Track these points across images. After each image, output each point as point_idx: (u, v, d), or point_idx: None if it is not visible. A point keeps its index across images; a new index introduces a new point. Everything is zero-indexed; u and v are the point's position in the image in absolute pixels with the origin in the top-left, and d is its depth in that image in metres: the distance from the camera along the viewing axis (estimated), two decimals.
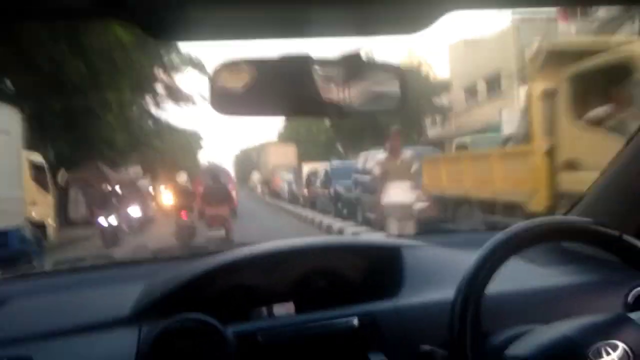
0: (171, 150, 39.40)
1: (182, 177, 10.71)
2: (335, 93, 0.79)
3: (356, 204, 11.27)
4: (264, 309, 1.20)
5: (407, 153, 5.66)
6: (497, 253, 0.81)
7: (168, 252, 2.18)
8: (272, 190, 29.24)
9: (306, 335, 1.04)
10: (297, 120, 45.65)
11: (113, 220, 10.65)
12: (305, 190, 18.16)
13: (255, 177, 54.32)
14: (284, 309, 1.20)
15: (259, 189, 43.05)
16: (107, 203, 11.06)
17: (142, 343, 0.95)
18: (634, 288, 1.01)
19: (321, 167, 16.49)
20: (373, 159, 10.41)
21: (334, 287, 1.24)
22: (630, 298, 1.00)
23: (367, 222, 10.15)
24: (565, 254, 1.34)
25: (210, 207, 8.48)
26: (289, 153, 33.28)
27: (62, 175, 14.08)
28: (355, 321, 1.05)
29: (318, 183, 15.16)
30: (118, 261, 1.76)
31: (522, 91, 20.83)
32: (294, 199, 20.88)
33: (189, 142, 42.27)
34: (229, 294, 1.18)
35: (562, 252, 1.35)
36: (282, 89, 0.77)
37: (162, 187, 20.89)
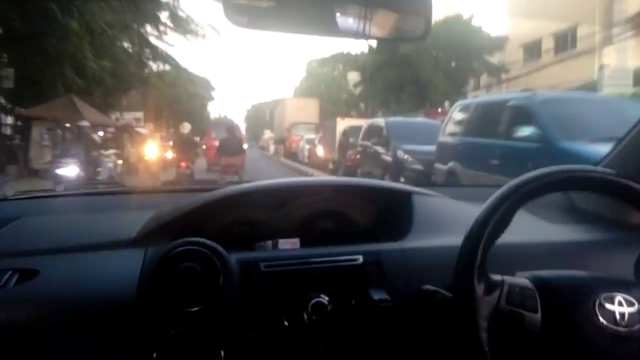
0: (177, 96, 35.98)
1: (186, 128, 10.67)
2: (356, 13, 0.79)
3: (447, 180, 6.76)
4: (269, 243, 1.20)
5: None
6: (510, 198, 0.79)
7: (180, 184, 2.09)
8: (288, 150, 25.52)
9: (309, 269, 1.02)
10: (318, 76, 41.80)
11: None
12: (338, 154, 14.17)
13: (267, 135, 50.95)
14: (289, 244, 1.20)
15: (271, 149, 39.39)
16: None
17: (147, 263, 0.96)
18: None
19: (365, 123, 12.16)
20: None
21: (341, 227, 1.24)
22: None
23: None
24: (577, 212, 1.34)
25: (226, 157, 9.45)
26: (310, 108, 29.06)
27: None
28: (360, 259, 1.04)
29: (360, 145, 11.03)
30: (129, 189, 1.65)
31: (608, 50, 17.28)
32: (317, 163, 17.12)
33: (197, 90, 38.51)
34: (235, 225, 1.19)
35: (574, 211, 1.35)
36: (301, 2, 0.77)
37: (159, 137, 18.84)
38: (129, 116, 27.61)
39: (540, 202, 0.86)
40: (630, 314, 0.74)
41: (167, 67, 20.55)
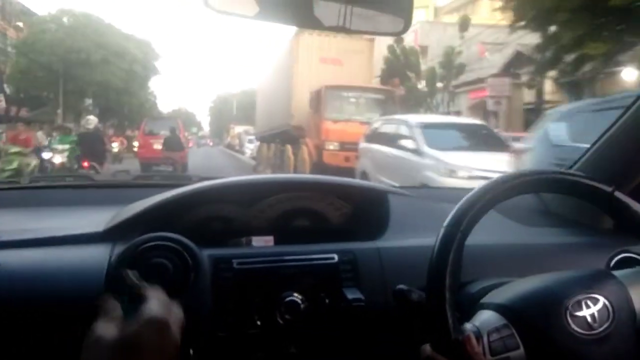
0: (83, 57, 21.52)
1: (90, 123, 10.19)
2: (336, 6, 0.79)
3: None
4: (243, 240, 1.19)
5: None
6: (483, 199, 0.79)
7: (150, 179, 2.04)
8: (318, 160, 11.07)
9: (283, 267, 1.01)
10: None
11: None
12: None
13: (238, 129, 36.07)
14: (263, 242, 1.19)
15: (247, 150, 24.63)
16: None
17: (114, 258, 0.95)
18: (618, 254, 1.01)
19: None
20: None
21: (316, 225, 1.24)
22: (612, 263, 1.00)
23: None
24: (549, 216, 1.37)
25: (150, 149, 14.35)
26: (358, 58, 12.08)
27: None
28: (335, 257, 1.04)
29: None
30: (97, 183, 1.67)
31: None
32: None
33: (125, 48, 23.52)
34: (207, 222, 1.18)
35: (547, 214, 1.37)
36: None
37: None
38: None
39: (513, 205, 0.89)
40: (599, 312, 0.74)
41: None
